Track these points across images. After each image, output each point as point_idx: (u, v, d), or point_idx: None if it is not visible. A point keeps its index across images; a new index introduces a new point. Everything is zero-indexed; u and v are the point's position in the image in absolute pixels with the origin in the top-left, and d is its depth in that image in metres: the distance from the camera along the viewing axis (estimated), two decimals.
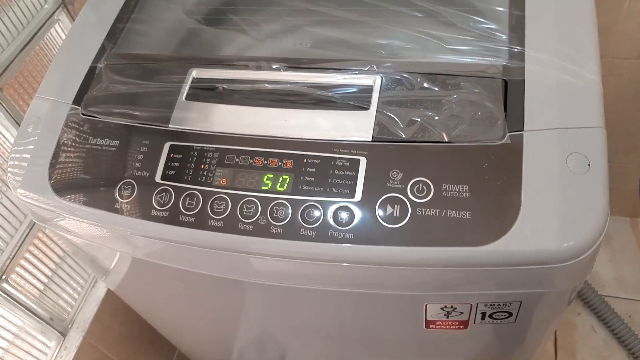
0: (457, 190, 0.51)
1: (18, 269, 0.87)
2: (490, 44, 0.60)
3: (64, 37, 0.99)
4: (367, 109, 0.57)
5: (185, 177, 0.58)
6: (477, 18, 0.63)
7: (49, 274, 0.95)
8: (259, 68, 0.63)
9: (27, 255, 0.89)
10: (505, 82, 0.56)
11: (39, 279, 0.92)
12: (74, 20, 1.00)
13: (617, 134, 1.26)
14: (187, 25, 0.73)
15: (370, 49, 0.64)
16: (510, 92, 0.56)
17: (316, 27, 0.68)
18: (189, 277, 0.65)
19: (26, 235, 0.88)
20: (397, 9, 0.66)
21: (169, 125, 0.61)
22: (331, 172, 0.54)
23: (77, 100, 0.67)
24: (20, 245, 0.87)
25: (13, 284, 0.86)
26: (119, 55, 0.69)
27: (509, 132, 0.53)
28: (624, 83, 1.18)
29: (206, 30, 0.71)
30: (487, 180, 0.51)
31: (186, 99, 0.63)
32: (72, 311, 0.99)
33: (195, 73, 0.64)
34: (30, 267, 0.90)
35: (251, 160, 0.57)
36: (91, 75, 0.69)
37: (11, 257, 0.85)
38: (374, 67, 0.60)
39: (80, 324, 0.98)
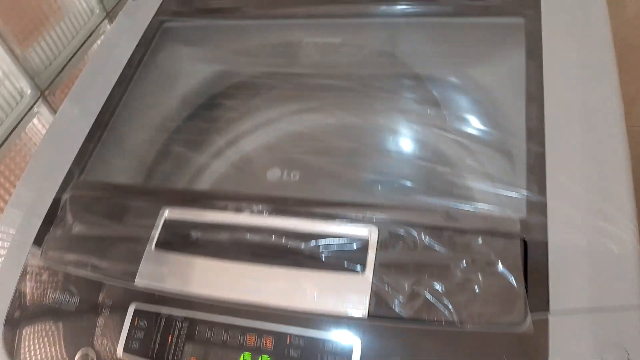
0: None
1: None
2: (505, 189, 0.51)
3: (44, 131, 0.93)
4: (362, 272, 0.49)
5: (150, 352, 0.50)
6: (488, 150, 0.55)
7: None
8: (238, 210, 0.55)
9: None
10: (525, 243, 0.48)
11: None
12: (55, 111, 0.94)
13: None
14: (160, 146, 0.66)
15: (367, 186, 0.56)
16: (531, 257, 0.47)
17: (307, 154, 0.60)
18: None
19: None
20: (396, 135, 0.58)
21: (135, 282, 0.53)
22: (319, 358, 0.46)
23: (39, 240, 0.60)
24: None
25: None
26: (85, 185, 0.62)
27: (531, 311, 0.44)
28: None
29: (181, 153, 0.64)
30: None
31: (155, 247, 0.55)
32: None
33: (167, 213, 0.57)
34: None
35: (225, 336, 0.49)
36: (55, 209, 0.61)
37: None
38: (371, 215, 0.51)
39: None
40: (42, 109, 0.92)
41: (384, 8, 0.70)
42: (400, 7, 0.69)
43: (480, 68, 0.64)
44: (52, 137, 0.70)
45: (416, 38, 0.67)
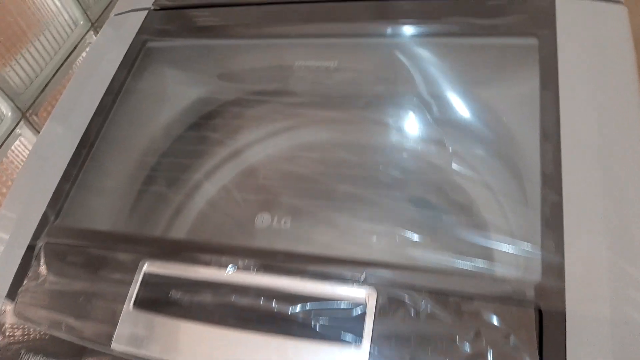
0: None
1: None
2: (517, 245, 0.46)
3: (26, 153, 0.88)
4: (359, 344, 0.44)
5: None
6: (498, 196, 0.49)
7: None
8: (223, 266, 0.50)
9: None
10: (540, 314, 0.42)
11: None
12: (38, 132, 0.89)
13: None
14: (141, 185, 0.61)
15: (364, 236, 0.51)
16: (547, 329, 0.42)
17: (299, 197, 0.55)
18: None
19: None
20: (397, 176, 0.53)
21: (112, 346, 0.49)
22: None
23: (12, 293, 0.55)
24: None
25: None
26: (61, 231, 0.58)
27: None
28: None
29: (163, 192, 0.59)
30: None
31: (134, 307, 0.50)
32: None
33: (146, 267, 0.52)
34: None
35: None
36: (29, 258, 0.57)
37: None
38: (370, 275, 0.46)
39: None
40: (24, 130, 0.88)
41: (383, 28, 0.64)
42: (401, 27, 0.63)
43: (489, 96, 0.58)
44: (28, 171, 0.65)
45: (419, 61, 0.61)
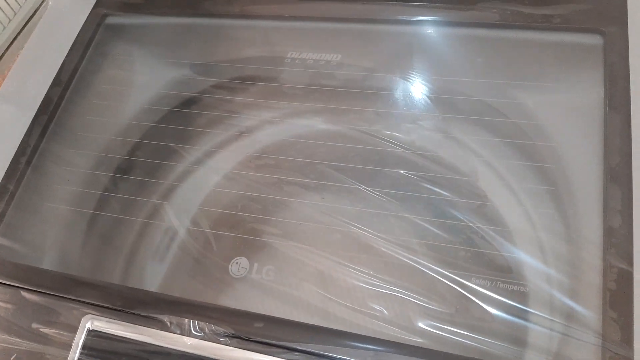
0: None
1: None
2: (567, 330, 0.35)
3: None
4: None
5: None
6: (538, 260, 0.38)
7: None
8: (184, 332, 0.39)
9: None
10: None
11: None
12: None
13: None
14: (94, 205, 0.49)
15: (367, 298, 0.40)
16: None
17: (287, 239, 0.44)
18: None
19: None
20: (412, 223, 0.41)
21: None
22: None
23: None
24: None
25: None
26: None
27: None
28: None
29: (118, 221, 0.48)
30: None
31: None
32: None
33: (90, 324, 0.41)
34: None
35: None
36: None
37: None
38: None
39: None
40: None
41: (403, 12, 0.50)
42: (425, 14, 0.49)
43: (531, 111, 0.46)
44: None
45: (444, 59, 0.48)
